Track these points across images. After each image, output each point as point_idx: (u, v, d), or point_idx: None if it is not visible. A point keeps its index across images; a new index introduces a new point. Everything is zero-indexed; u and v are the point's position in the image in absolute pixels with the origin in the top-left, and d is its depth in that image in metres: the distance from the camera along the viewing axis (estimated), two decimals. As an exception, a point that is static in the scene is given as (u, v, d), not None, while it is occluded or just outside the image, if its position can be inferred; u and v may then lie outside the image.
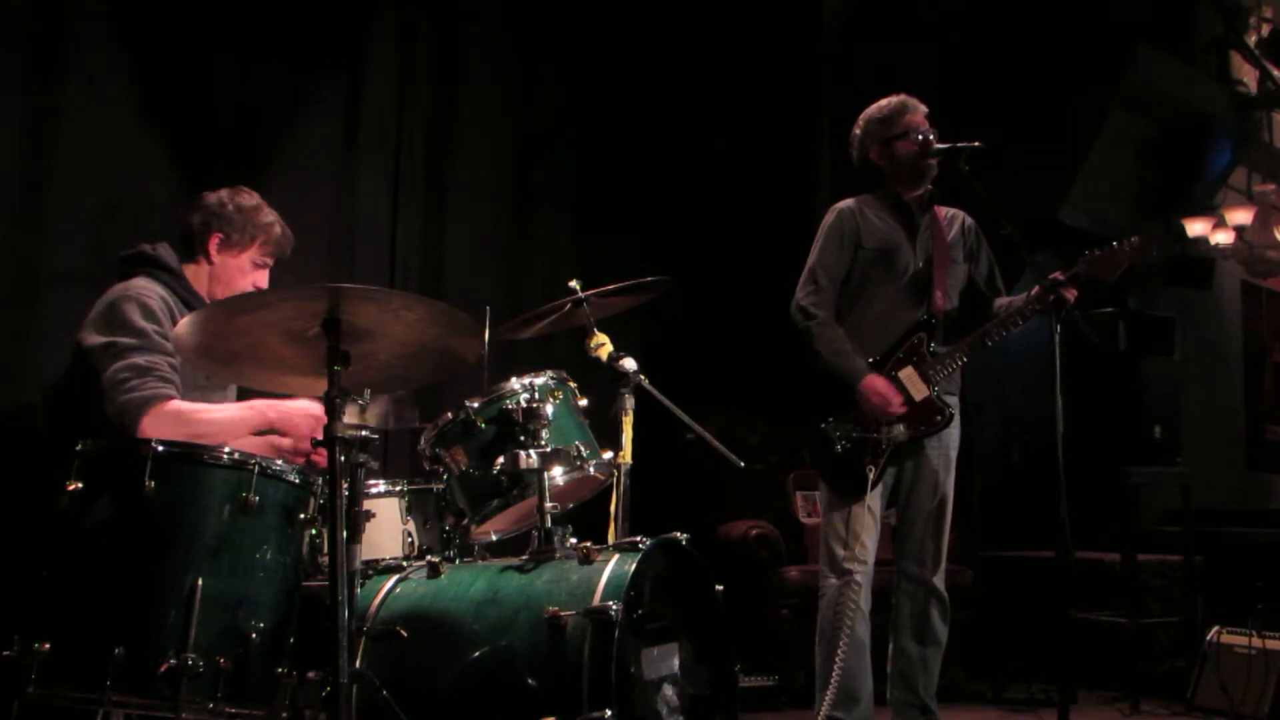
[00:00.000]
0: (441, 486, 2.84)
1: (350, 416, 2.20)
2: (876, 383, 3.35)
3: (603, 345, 3.03)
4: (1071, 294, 3.23)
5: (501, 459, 2.71)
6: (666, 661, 2.48)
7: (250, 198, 3.02)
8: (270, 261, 3.05)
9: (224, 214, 2.96)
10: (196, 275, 2.97)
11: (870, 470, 3.34)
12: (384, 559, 2.70)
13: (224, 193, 3.01)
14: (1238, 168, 7.75)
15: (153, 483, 2.11)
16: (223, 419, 2.74)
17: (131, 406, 2.63)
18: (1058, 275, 3.25)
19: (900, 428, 3.35)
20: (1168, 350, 5.84)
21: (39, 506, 2.25)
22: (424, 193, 4.52)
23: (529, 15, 4.92)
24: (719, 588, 2.63)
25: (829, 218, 3.57)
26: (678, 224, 5.27)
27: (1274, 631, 4.32)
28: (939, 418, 3.39)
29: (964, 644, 4.58)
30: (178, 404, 2.69)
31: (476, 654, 2.34)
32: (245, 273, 2.99)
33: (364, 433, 2.20)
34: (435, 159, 4.56)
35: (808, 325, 3.46)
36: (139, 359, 2.68)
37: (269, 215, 3.03)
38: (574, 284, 3.11)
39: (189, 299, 2.90)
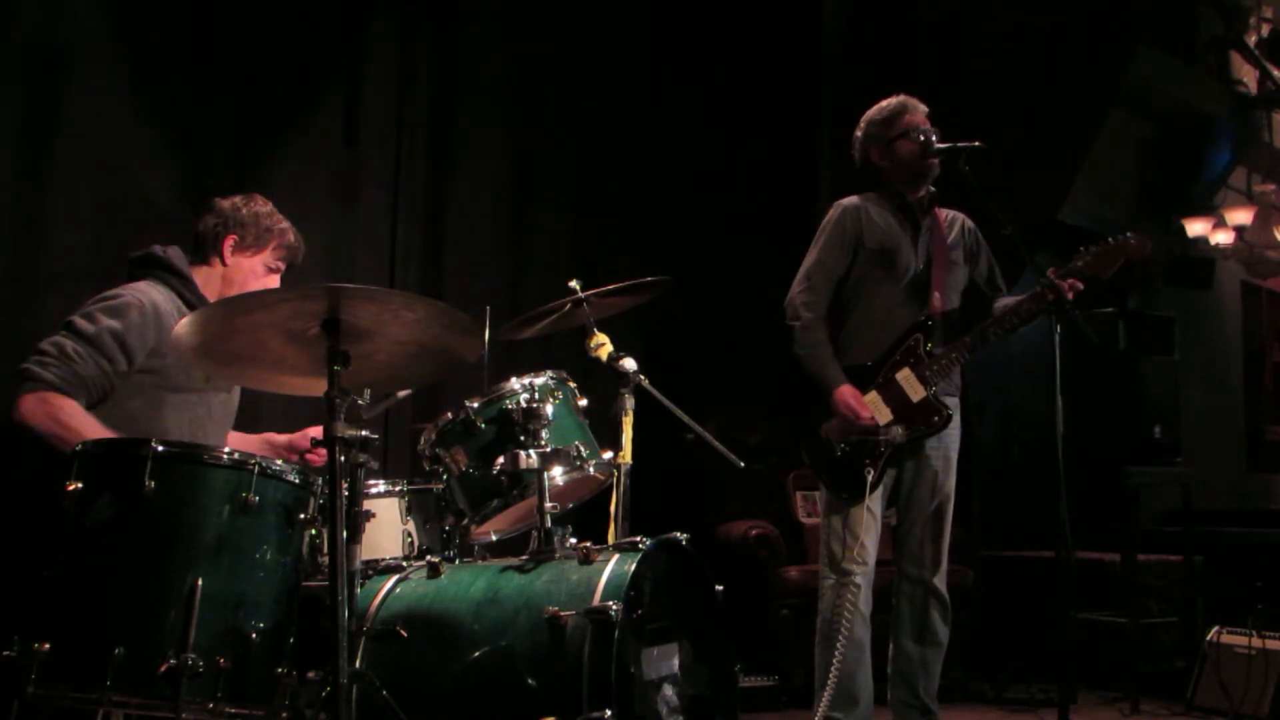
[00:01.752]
0: (441, 486, 2.84)
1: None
2: (845, 394, 3.35)
3: (603, 345, 3.02)
4: (1070, 290, 3.22)
5: (501, 459, 2.71)
6: (666, 661, 2.48)
7: (265, 204, 3.03)
8: (283, 266, 3.06)
9: (239, 217, 2.98)
10: (207, 278, 2.97)
11: (869, 472, 3.34)
12: (384, 559, 2.70)
13: (238, 198, 3.02)
14: (1238, 168, 7.75)
15: (153, 483, 2.11)
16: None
17: (28, 376, 2.63)
18: (1053, 271, 3.25)
19: (898, 429, 3.36)
20: (1168, 350, 5.84)
21: (39, 506, 2.25)
22: (424, 193, 4.52)
23: (529, 16, 4.92)
24: (719, 588, 2.64)
25: (832, 214, 3.56)
26: (678, 224, 5.27)
27: (1274, 631, 4.32)
28: (936, 418, 3.39)
29: (964, 644, 4.58)
30: (62, 401, 2.64)
31: (476, 654, 2.34)
32: (259, 275, 3.00)
33: (364, 432, 2.21)
34: (435, 159, 4.57)
35: (793, 325, 3.47)
36: (71, 345, 2.68)
37: (283, 221, 3.05)
38: (574, 284, 3.11)
39: (195, 303, 2.90)
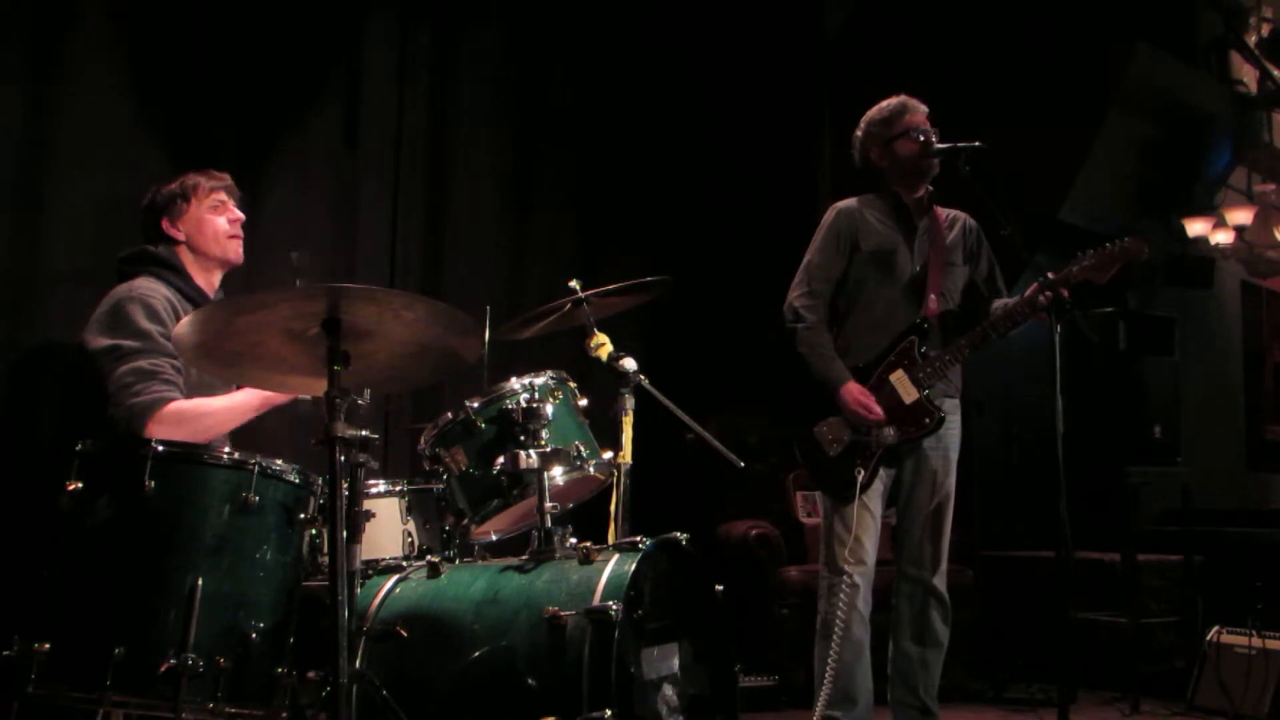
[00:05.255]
0: (441, 486, 2.84)
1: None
2: (853, 390, 3.36)
3: (603, 345, 3.02)
4: (1066, 293, 3.23)
5: (501, 459, 2.71)
6: (666, 661, 2.48)
7: (166, 184, 3.06)
8: (221, 197, 3.07)
9: (156, 202, 3.03)
10: (190, 262, 3.01)
11: (860, 472, 3.34)
12: (384, 559, 2.70)
13: (148, 194, 3.07)
14: (1238, 168, 7.75)
15: (153, 483, 2.11)
16: (223, 408, 2.78)
17: (138, 411, 2.66)
18: (1050, 275, 3.25)
19: (890, 430, 3.36)
20: (1168, 350, 5.84)
21: (39, 506, 2.25)
22: (424, 192, 4.52)
23: (529, 16, 4.92)
24: (719, 588, 2.64)
25: (828, 217, 3.57)
26: (678, 224, 5.27)
27: (1274, 631, 4.32)
28: (928, 420, 3.39)
29: (964, 644, 4.57)
30: (180, 404, 2.71)
31: (476, 654, 2.35)
32: (207, 220, 3.03)
33: (364, 433, 2.21)
34: (435, 159, 4.56)
35: (794, 327, 3.47)
36: (143, 363, 2.71)
37: (183, 178, 3.07)
38: (574, 284, 3.11)
39: (194, 296, 2.93)
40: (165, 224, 3.01)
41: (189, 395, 2.81)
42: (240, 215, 3.09)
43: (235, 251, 3.06)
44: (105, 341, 2.74)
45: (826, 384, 3.40)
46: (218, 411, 2.76)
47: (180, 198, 3.02)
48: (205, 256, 3.02)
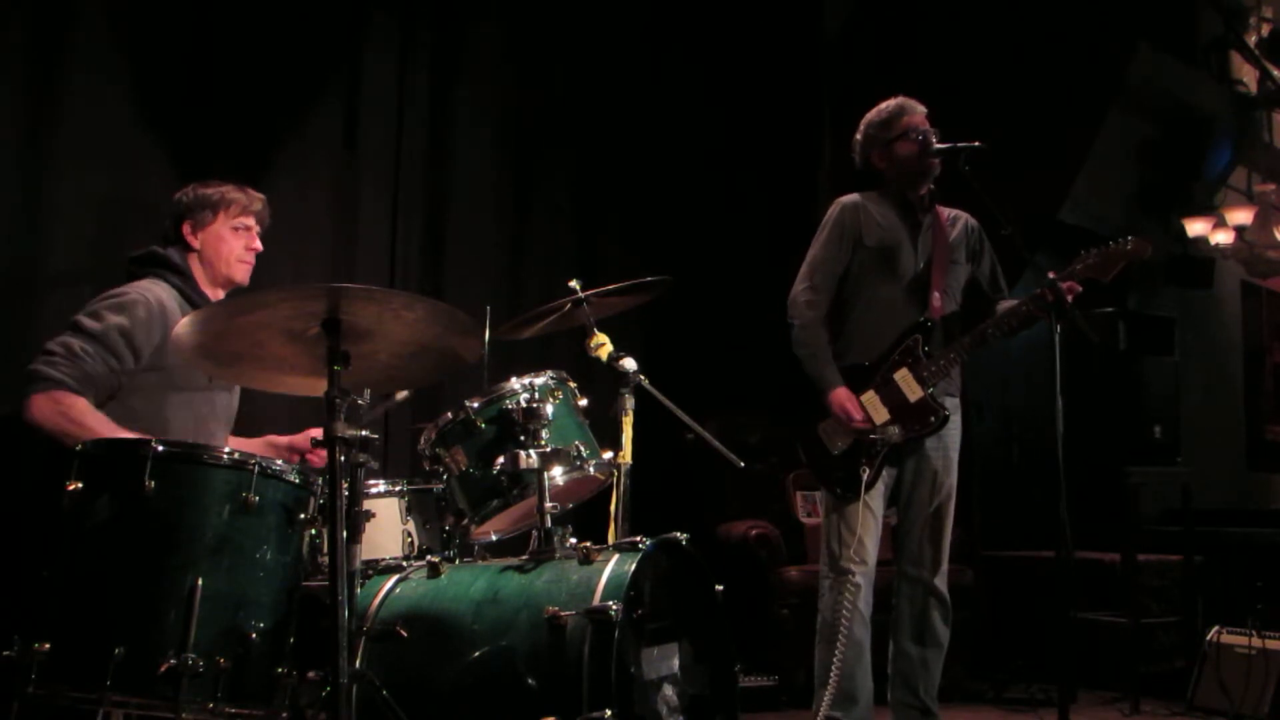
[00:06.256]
0: (441, 486, 2.84)
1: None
2: (839, 396, 3.37)
3: (603, 345, 3.02)
4: (1069, 293, 3.23)
5: (501, 459, 2.71)
6: (666, 661, 2.48)
7: (205, 185, 3.06)
8: (248, 222, 3.06)
9: (184, 203, 3.03)
10: (198, 271, 3.01)
11: (865, 471, 3.34)
12: (384, 559, 2.70)
13: (181, 191, 3.07)
14: (1238, 168, 7.75)
15: (153, 483, 2.11)
16: (100, 429, 2.69)
17: (35, 378, 2.66)
18: (1053, 275, 3.25)
19: (895, 429, 3.36)
20: (1168, 350, 5.83)
21: (39, 506, 2.25)
22: (424, 193, 4.52)
23: (529, 16, 4.92)
24: (719, 588, 2.64)
25: (832, 211, 3.57)
26: (678, 224, 5.27)
27: (1274, 631, 4.32)
28: (933, 418, 3.39)
29: (964, 644, 4.58)
30: (73, 399, 2.66)
31: (476, 654, 2.35)
32: (227, 239, 3.03)
33: (364, 432, 2.21)
34: (435, 159, 4.57)
35: (794, 324, 3.48)
36: (78, 344, 2.70)
37: (223, 186, 3.07)
38: (574, 284, 3.11)
39: (196, 299, 2.93)
40: (186, 229, 3.01)
41: (182, 391, 2.82)
42: (259, 246, 3.08)
43: (243, 275, 3.07)
44: (78, 316, 2.77)
45: (817, 386, 3.42)
46: (95, 430, 2.64)
47: (210, 208, 3.02)
48: (213, 270, 3.02)
